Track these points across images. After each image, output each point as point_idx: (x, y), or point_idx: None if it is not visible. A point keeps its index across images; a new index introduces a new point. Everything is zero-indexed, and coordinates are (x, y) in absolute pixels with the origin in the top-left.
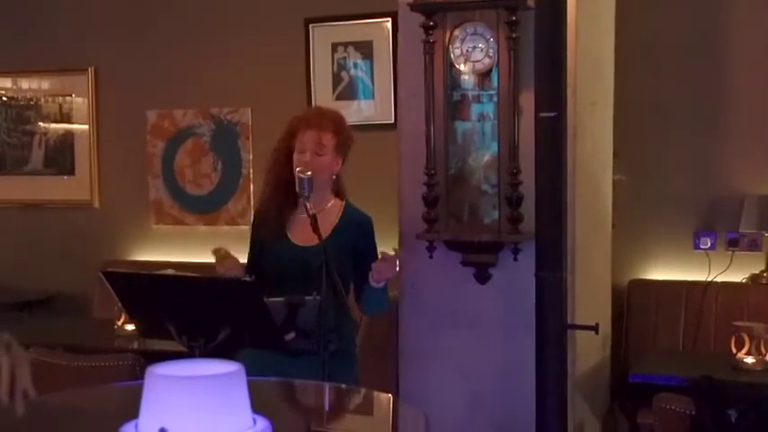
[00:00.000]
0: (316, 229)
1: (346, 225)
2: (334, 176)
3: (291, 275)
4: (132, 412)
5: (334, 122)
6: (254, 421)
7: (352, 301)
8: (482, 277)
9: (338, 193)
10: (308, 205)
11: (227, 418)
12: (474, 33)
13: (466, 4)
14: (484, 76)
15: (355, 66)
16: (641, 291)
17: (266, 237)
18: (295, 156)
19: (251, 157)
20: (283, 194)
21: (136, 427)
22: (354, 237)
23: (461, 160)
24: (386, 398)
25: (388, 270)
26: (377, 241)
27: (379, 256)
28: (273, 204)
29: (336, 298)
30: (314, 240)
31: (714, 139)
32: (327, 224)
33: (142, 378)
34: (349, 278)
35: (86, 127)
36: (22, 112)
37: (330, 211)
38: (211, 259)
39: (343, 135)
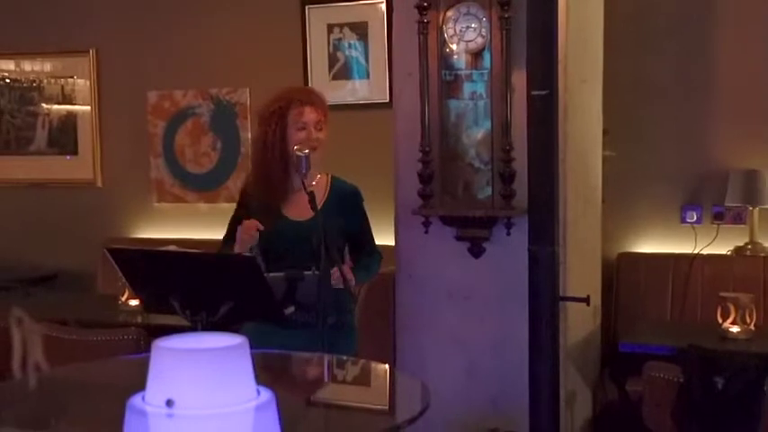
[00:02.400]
0: (313, 205)
1: (336, 197)
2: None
3: (289, 250)
4: (138, 384)
5: (323, 100)
6: (258, 392)
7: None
8: (476, 251)
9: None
10: (305, 182)
11: (232, 390)
12: (467, 13)
13: None
14: (476, 55)
15: (350, 46)
16: (630, 263)
17: (260, 215)
18: (294, 133)
19: (249, 136)
20: (277, 172)
21: (143, 398)
22: (345, 207)
23: (455, 138)
24: (384, 368)
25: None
26: (374, 217)
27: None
28: (272, 185)
29: None
30: (308, 214)
31: (700, 115)
32: (318, 198)
33: (146, 351)
34: (344, 248)
35: (89, 108)
36: (25, 94)
37: (319, 186)
38: (212, 236)
39: (327, 110)
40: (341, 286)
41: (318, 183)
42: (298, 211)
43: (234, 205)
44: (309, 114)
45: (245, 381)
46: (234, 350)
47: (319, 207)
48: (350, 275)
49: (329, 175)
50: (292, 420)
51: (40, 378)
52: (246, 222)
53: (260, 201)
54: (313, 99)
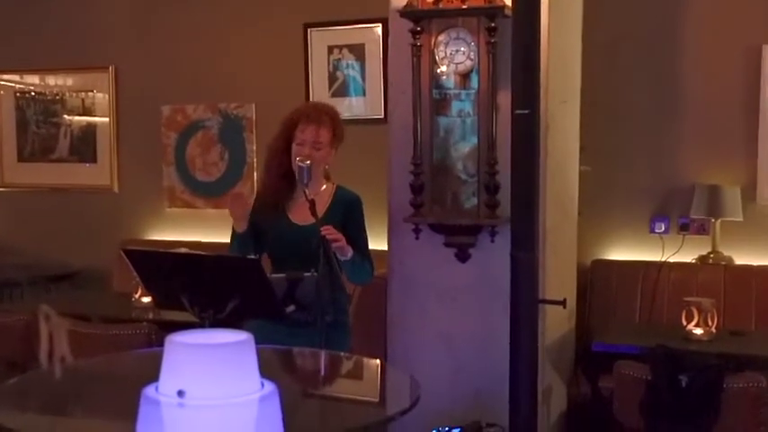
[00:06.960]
0: (314, 212)
1: (337, 204)
2: (327, 167)
3: (291, 252)
4: (151, 376)
5: (331, 118)
6: (262, 384)
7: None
8: (462, 257)
9: (327, 177)
10: (306, 191)
11: (238, 382)
12: (457, 38)
13: (450, 11)
14: (465, 76)
15: (349, 66)
16: (603, 270)
17: (267, 217)
18: (294, 147)
19: (254, 147)
20: (282, 180)
21: (156, 389)
22: (344, 213)
23: (444, 152)
24: (375, 363)
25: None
26: (369, 224)
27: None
28: (273, 189)
29: (332, 274)
30: (311, 219)
31: (668, 134)
32: (321, 206)
33: (157, 345)
34: None
35: (107, 120)
36: (49, 106)
37: (323, 194)
38: (219, 239)
39: (338, 130)
40: (339, 249)
41: (324, 191)
42: (302, 216)
43: None
44: (309, 133)
45: (250, 374)
46: (241, 345)
47: (323, 213)
48: (339, 236)
49: (335, 185)
50: (292, 410)
51: (62, 369)
52: (233, 194)
53: (265, 202)
54: (320, 119)
